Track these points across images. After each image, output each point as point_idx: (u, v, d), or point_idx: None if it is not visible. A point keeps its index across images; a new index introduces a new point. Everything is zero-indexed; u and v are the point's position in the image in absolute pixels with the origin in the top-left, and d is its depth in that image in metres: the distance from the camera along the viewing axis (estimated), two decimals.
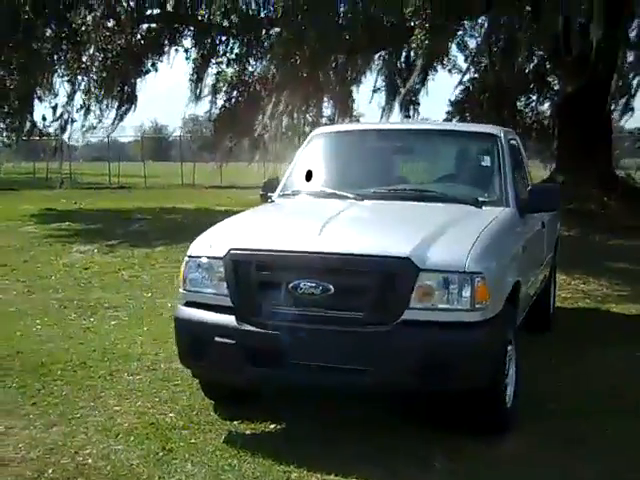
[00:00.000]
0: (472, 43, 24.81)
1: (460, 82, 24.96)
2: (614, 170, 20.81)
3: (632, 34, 18.17)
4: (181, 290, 4.88)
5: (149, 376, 6.06)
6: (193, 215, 19.98)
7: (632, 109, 23.93)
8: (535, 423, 4.99)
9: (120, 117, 19.26)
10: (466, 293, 4.27)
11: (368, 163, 6.20)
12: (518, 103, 24.80)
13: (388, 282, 4.30)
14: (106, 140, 39.20)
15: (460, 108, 24.97)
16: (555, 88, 25.41)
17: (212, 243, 4.82)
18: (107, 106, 18.90)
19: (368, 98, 20.93)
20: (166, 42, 18.21)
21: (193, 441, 4.74)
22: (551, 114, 24.45)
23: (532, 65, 23.84)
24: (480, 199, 5.46)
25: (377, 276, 4.32)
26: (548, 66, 24.52)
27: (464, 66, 25.23)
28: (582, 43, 17.21)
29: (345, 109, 23.53)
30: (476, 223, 4.85)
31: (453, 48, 23.70)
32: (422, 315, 4.30)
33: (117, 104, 19.11)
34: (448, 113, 26.02)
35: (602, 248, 13.62)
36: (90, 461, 4.46)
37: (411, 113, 24.92)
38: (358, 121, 21.89)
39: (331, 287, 4.34)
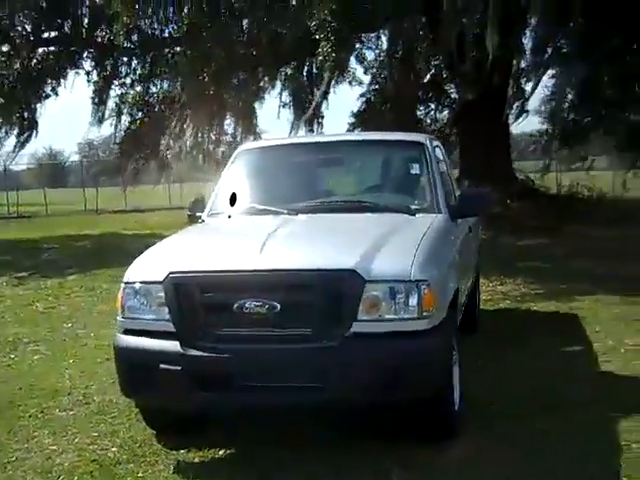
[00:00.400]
0: (370, 55, 25.28)
1: (362, 94, 25.43)
2: (514, 172, 21.47)
3: (525, 42, 18.86)
4: (119, 318, 4.71)
5: (83, 410, 5.82)
6: (101, 241, 19.56)
7: (526, 111, 24.63)
8: (474, 426, 4.99)
9: (21, 144, 18.61)
10: (413, 302, 4.26)
11: (297, 177, 6.16)
12: (418, 112, 25.37)
13: (334, 295, 4.25)
14: (1, 169, 37.88)
15: (362, 119, 25.33)
16: (453, 96, 26.13)
17: (149, 267, 4.68)
18: (6, 133, 18.20)
19: (275, 114, 20.98)
20: (66, 65, 17.70)
21: (141, 475, 4.56)
22: (448, 122, 25.07)
23: (429, 75, 24.51)
24: (412, 207, 5.50)
25: (323, 290, 4.27)
26: (445, 76, 25.22)
27: (364, 78, 25.71)
28: (477, 52, 17.78)
29: (249, 126, 23.51)
30: (414, 232, 4.86)
31: (352, 61, 24.14)
32: (370, 327, 4.27)
33: (17, 131, 18.44)
34: (350, 125, 26.37)
35: (512, 249, 14.00)
36: None
37: (315, 127, 25.25)
38: (260, 137, 21.88)
39: (277, 305, 4.26)
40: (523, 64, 19.95)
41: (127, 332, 4.65)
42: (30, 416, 5.73)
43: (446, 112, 25.97)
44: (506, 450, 4.66)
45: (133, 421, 5.46)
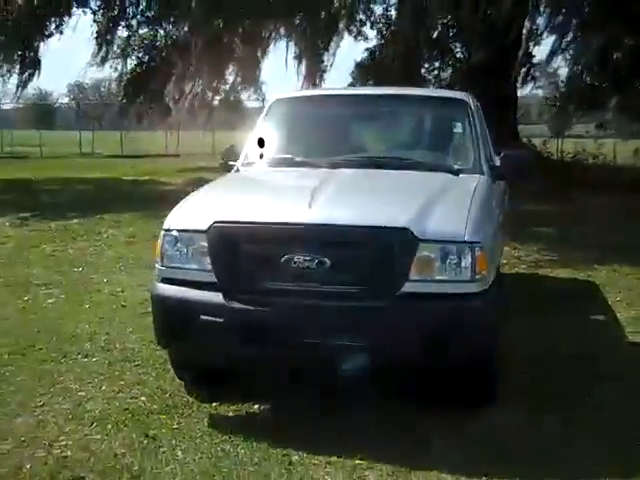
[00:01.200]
0: (378, 10, 24.89)
1: (367, 49, 25.08)
2: (519, 137, 21.31)
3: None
4: (158, 266, 4.56)
5: (106, 357, 5.71)
6: (102, 185, 19.31)
7: (533, 78, 24.46)
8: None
9: (23, 84, 18.19)
10: (466, 263, 4.15)
11: (335, 130, 5.97)
12: (422, 70, 25.08)
13: (387, 254, 4.12)
14: None
15: (365, 71, 25.06)
16: (458, 56, 25.84)
17: (191, 215, 4.53)
18: (8, 71, 17.79)
19: (275, 67, 20.71)
20: (72, 3, 17.25)
21: (176, 426, 4.45)
22: (450, 82, 24.81)
23: (436, 32, 24.13)
24: (455, 167, 5.35)
25: (376, 248, 4.13)
26: (451, 34, 24.91)
27: (369, 33, 25.37)
28: (492, 11, 17.50)
29: (251, 77, 23.18)
30: (462, 193, 4.74)
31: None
32: (422, 287, 4.14)
33: (19, 69, 18.02)
34: (353, 77, 26.07)
35: (519, 215, 13.81)
36: (69, 453, 4.12)
37: (317, 80, 24.99)
38: (261, 89, 21.67)
39: (327, 260, 4.12)
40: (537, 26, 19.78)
41: (166, 281, 4.51)
42: (52, 361, 5.61)
43: (449, 71, 25.79)
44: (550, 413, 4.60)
45: (159, 371, 5.37)
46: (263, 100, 33.09)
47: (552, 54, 17.87)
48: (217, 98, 24.86)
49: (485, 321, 4.26)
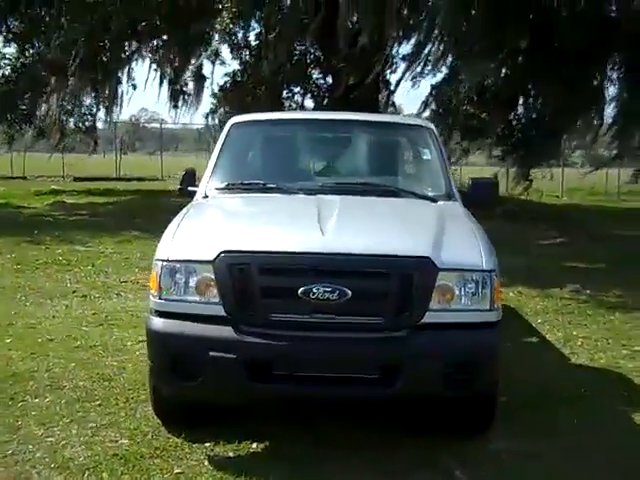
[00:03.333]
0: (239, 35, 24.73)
1: (227, 73, 24.91)
2: None
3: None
4: (154, 300, 4.22)
5: (60, 397, 5.23)
6: None
7: (393, 104, 25.08)
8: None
9: None
10: (486, 292, 4.14)
11: (303, 155, 5.84)
12: (282, 97, 25.21)
13: (409, 283, 4.02)
14: None
15: (225, 96, 24.88)
16: (319, 82, 26.17)
17: (193, 245, 4.24)
18: None
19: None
20: None
21: (179, 471, 4.14)
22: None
23: (295, 59, 24.38)
24: (431, 194, 5.36)
25: (398, 277, 4.01)
26: (309, 61, 25.25)
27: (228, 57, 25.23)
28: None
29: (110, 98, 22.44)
30: (460, 221, 4.76)
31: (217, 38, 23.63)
32: (442, 317, 4.09)
33: None
34: (213, 103, 25.78)
35: None
36: None
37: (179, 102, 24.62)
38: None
39: (348, 291, 3.97)
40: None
41: (165, 315, 4.18)
42: (0, 404, 5.08)
43: (309, 98, 26.11)
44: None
45: (126, 410, 5.04)
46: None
47: (397, 84, 18.74)
48: (71, 120, 23.95)
49: (499, 350, 4.26)
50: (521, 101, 16.40)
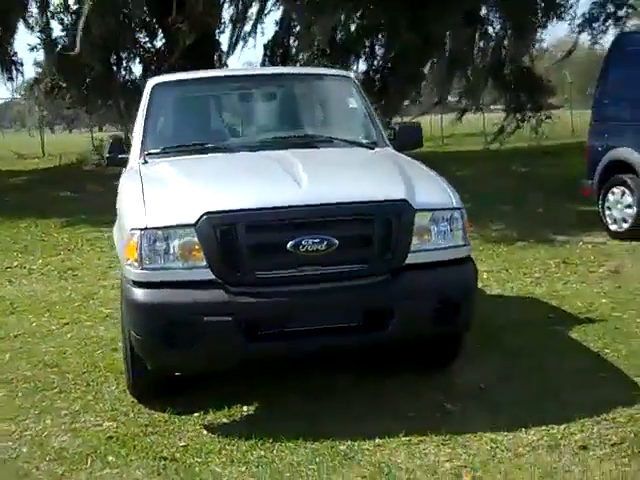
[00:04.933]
0: None
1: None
2: None
3: None
4: (135, 270, 4.06)
5: (13, 390, 4.95)
6: None
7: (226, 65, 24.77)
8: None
9: None
10: (459, 229, 4.31)
11: (235, 112, 5.75)
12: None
13: (391, 227, 4.11)
14: None
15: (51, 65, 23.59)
16: (147, 46, 25.37)
17: (169, 210, 4.11)
18: None
19: None
20: None
21: (183, 444, 4.05)
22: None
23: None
24: (365, 141, 5.45)
25: (381, 222, 4.10)
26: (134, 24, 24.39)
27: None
28: None
29: None
30: (411, 165, 4.87)
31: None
32: (423, 257, 4.22)
33: None
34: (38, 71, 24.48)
35: None
36: None
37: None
38: None
39: (335, 240, 4.01)
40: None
41: (147, 285, 4.04)
42: None
43: (138, 62, 25.34)
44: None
45: (93, 393, 4.83)
46: None
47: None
48: None
49: (477, 283, 4.47)
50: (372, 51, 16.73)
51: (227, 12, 20.90)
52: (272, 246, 4.02)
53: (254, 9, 20.67)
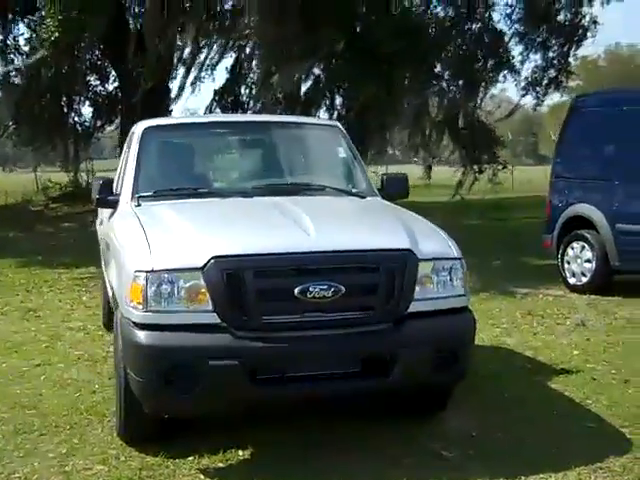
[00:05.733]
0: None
1: None
2: None
3: None
4: (138, 312, 4.01)
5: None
6: None
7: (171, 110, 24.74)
8: None
9: None
10: (459, 278, 4.39)
11: (224, 158, 5.79)
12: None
13: (396, 276, 4.15)
14: None
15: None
16: (97, 90, 25.28)
17: (176, 252, 4.08)
18: None
19: None
20: None
21: None
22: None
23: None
24: (354, 190, 5.54)
25: (386, 270, 4.14)
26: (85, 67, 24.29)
27: None
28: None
29: None
30: (407, 215, 4.94)
31: None
32: (425, 305, 4.26)
33: None
34: None
35: None
36: None
37: None
38: None
39: (342, 287, 4.04)
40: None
41: (151, 327, 3.99)
42: None
43: (87, 105, 25.24)
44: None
45: (78, 437, 4.71)
46: None
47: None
48: None
49: (475, 332, 4.55)
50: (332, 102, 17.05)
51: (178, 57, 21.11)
52: (280, 291, 4.02)
53: (204, 55, 20.91)
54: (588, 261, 9.28)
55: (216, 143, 5.97)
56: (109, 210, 5.53)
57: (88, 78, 24.48)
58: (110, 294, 5.08)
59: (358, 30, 13.62)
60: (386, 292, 4.14)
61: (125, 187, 5.31)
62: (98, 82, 24.95)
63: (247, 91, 22.38)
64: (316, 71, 16.01)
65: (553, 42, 21.47)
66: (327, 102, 17.15)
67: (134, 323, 4.05)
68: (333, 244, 4.16)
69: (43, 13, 16.39)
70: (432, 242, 4.46)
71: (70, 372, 6.07)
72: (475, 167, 21.19)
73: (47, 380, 5.87)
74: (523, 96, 22.24)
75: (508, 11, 20.61)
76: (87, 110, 25.11)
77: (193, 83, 21.06)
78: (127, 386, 4.22)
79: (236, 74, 22.01)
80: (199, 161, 5.83)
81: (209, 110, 21.94)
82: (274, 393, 4.12)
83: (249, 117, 6.56)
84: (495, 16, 21.12)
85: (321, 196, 5.31)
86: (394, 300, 4.15)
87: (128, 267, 4.16)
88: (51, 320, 8.05)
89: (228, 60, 21.80)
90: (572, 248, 9.53)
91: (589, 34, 21.58)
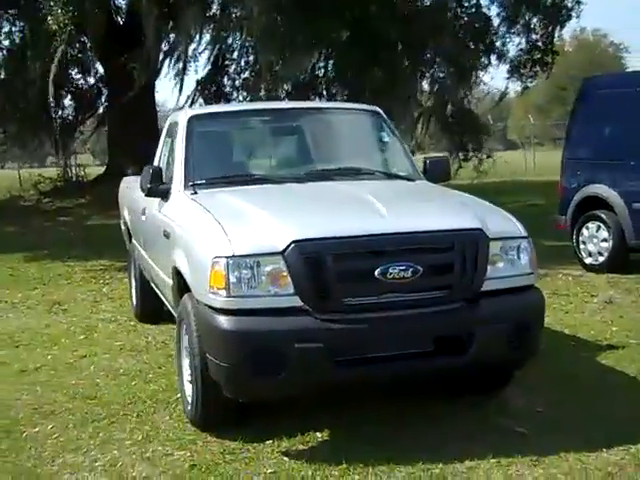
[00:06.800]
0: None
1: None
2: None
3: None
4: (221, 298, 4.03)
5: (59, 422, 4.80)
6: None
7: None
8: None
9: None
10: (527, 257, 4.46)
11: (275, 145, 5.80)
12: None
13: (469, 255, 4.22)
14: None
15: None
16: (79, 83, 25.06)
17: (255, 237, 4.11)
18: None
19: None
20: None
21: (270, 471, 4.02)
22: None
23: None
24: (404, 174, 5.60)
25: (461, 250, 4.21)
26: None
27: None
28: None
29: None
30: (465, 196, 5.02)
31: None
32: (497, 284, 4.33)
33: None
34: None
35: None
36: None
37: None
38: None
39: (420, 268, 4.10)
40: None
41: (234, 313, 4.03)
42: None
43: (69, 100, 25.01)
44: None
45: (147, 424, 4.71)
46: None
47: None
48: None
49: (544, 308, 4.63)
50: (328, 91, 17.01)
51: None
52: (360, 273, 4.07)
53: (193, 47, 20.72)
54: (604, 240, 9.39)
55: (261, 130, 5.99)
56: (152, 200, 5.53)
57: (69, 71, 24.28)
58: (163, 284, 5.13)
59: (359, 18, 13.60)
60: (461, 271, 4.21)
61: (176, 176, 5.30)
62: (80, 75, 24.81)
63: (230, 82, 22.30)
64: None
65: (537, 24, 21.48)
66: (332, 91, 17.11)
67: (215, 309, 4.07)
68: (409, 225, 4.22)
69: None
70: (499, 221, 4.53)
71: (118, 362, 6.06)
72: (460, 155, 21.26)
73: (98, 370, 5.87)
74: (508, 79, 22.26)
75: None
76: (68, 103, 24.47)
77: (177, 75, 20.92)
78: (203, 372, 4.25)
79: (219, 65, 21.88)
80: (246, 148, 5.86)
81: (191, 101, 21.80)
82: (354, 374, 4.17)
83: (292, 104, 6.58)
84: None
85: (371, 180, 5.35)
86: (469, 279, 4.22)
87: (204, 254, 4.18)
88: (79, 312, 8.00)
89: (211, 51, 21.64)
90: (587, 228, 9.64)
91: (573, 14, 21.66)
